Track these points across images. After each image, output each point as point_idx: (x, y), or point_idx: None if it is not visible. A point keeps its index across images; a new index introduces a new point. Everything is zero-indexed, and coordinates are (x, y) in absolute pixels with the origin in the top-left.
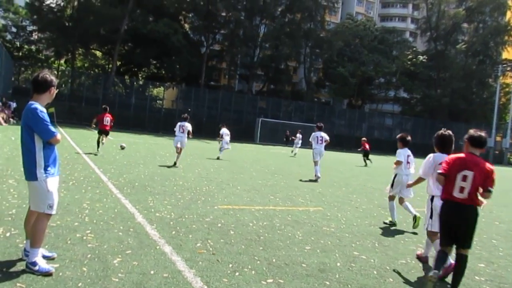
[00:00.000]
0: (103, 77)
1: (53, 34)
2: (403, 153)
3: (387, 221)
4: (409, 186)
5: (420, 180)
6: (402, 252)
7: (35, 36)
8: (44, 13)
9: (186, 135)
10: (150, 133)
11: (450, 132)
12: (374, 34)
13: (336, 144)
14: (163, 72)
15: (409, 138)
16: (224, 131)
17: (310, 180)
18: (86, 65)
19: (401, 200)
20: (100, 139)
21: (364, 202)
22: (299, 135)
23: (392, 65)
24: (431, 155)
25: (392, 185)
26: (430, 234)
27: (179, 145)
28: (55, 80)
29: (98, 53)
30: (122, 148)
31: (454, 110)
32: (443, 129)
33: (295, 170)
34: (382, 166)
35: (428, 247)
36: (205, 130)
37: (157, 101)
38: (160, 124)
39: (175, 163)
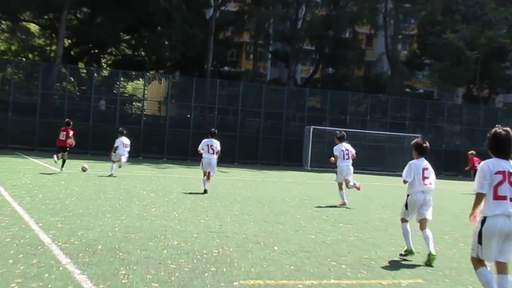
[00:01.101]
0: (43, 67)
1: None
2: (417, 166)
3: (402, 252)
4: (472, 217)
5: (480, 197)
6: None
7: None
8: None
9: (216, 156)
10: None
11: (509, 129)
12: None
13: (446, 164)
14: (143, 53)
15: (426, 144)
16: (123, 140)
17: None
18: (13, 47)
19: (423, 225)
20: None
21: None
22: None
23: None
24: (484, 163)
25: (406, 207)
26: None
27: (209, 170)
28: None
29: (34, 27)
30: (84, 170)
31: None
32: (497, 126)
33: (372, 213)
34: None
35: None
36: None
37: (134, 104)
38: (139, 142)
39: (205, 191)
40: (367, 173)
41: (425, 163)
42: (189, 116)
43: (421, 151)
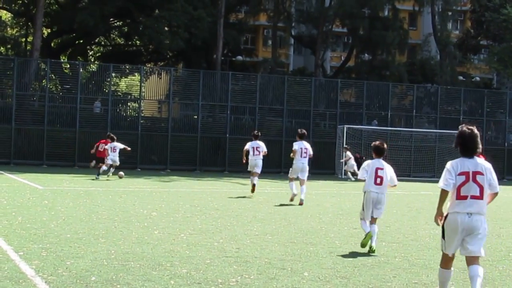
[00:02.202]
0: (18, 63)
1: None
2: (371, 165)
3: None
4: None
5: (444, 194)
6: None
7: None
8: None
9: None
10: (116, 171)
11: (474, 128)
12: None
13: (510, 166)
14: (138, 43)
15: (384, 146)
16: (117, 145)
17: None
18: None
19: (373, 220)
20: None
21: None
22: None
23: None
24: (449, 163)
25: (362, 205)
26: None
27: (256, 170)
28: None
29: (5, 15)
30: (120, 177)
31: None
32: (463, 124)
33: (422, 229)
34: None
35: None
36: (233, 154)
37: (129, 104)
38: (136, 150)
39: (253, 189)
40: (415, 180)
41: (381, 163)
42: (196, 117)
43: (378, 152)
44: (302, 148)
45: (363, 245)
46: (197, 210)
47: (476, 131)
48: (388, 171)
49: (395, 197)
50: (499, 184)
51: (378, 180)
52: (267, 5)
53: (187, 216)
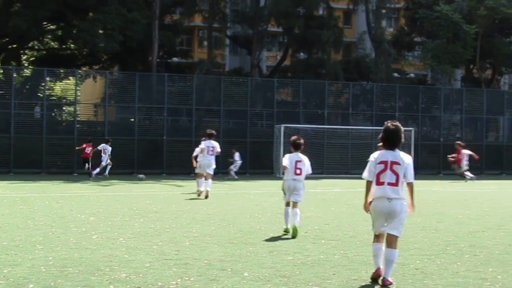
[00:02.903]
0: None
1: None
2: (291, 159)
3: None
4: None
5: (369, 184)
6: None
7: None
8: None
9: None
10: (54, 176)
11: (398, 123)
12: None
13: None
14: (72, 46)
15: (301, 141)
16: (105, 146)
17: None
18: None
19: (294, 205)
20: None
21: None
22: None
23: None
24: (372, 155)
25: (283, 191)
26: None
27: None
28: None
29: None
30: (141, 179)
31: None
32: (388, 121)
33: (360, 225)
34: None
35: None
36: (170, 156)
37: (64, 108)
38: (72, 155)
39: (200, 194)
40: (352, 177)
41: (299, 156)
42: (132, 120)
43: (296, 147)
44: (209, 147)
45: (286, 231)
46: (136, 213)
47: (399, 127)
48: (306, 163)
49: (333, 194)
50: (436, 179)
51: (298, 171)
52: (202, 6)
53: (126, 220)
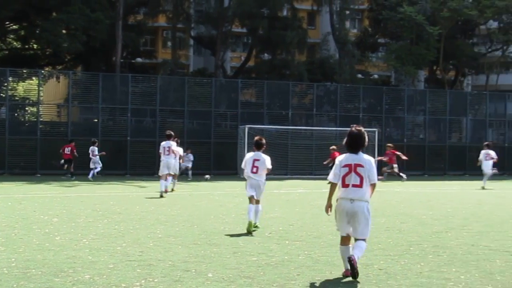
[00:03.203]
0: None
1: None
2: (250, 157)
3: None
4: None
5: (333, 187)
6: None
7: None
8: None
9: (178, 159)
10: (16, 177)
11: (362, 128)
12: None
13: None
14: (35, 46)
15: (263, 141)
16: (92, 149)
17: None
18: None
19: (256, 201)
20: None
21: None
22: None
23: None
24: (337, 158)
25: (246, 188)
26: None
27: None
28: None
29: None
30: (206, 179)
31: None
32: (353, 125)
33: (324, 226)
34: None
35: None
36: (134, 157)
37: (27, 109)
38: (36, 155)
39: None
40: (317, 178)
41: (258, 155)
42: (96, 120)
43: (257, 146)
44: (165, 147)
45: (247, 231)
46: (99, 214)
47: (363, 131)
48: (267, 162)
49: (297, 195)
50: (399, 180)
51: (254, 169)
52: (166, 6)
53: (89, 221)
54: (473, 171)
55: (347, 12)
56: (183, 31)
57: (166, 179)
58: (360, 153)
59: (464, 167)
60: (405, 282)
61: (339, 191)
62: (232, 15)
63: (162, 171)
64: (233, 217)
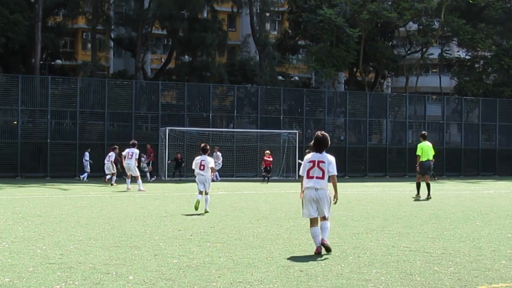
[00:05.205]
0: None
1: None
2: (198, 159)
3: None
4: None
5: (303, 179)
6: None
7: None
8: None
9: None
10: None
11: (325, 133)
12: None
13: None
14: None
15: (207, 147)
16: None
17: None
18: None
19: (206, 193)
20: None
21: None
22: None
23: None
24: (306, 156)
25: (196, 183)
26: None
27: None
28: None
29: None
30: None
31: None
32: (319, 131)
33: (245, 228)
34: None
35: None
36: (54, 159)
37: None
38: None
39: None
40: (238, 180)
41: (204, 157)
42: (15, 122)
43: (203, 151)
44: (129, 152)
45: (195, 207)
46: (19, 217)
47: (326, 135)
48: (211, 163)
49: (218, 197)
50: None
51: (202, 167)
52: (85, 8)
53: (9, 224)
54: (393, 173)
55: (267, 14)
56: (103, 33)
57: (129, 179)
58: (324, 152)
59: (384, 168)
60: (325, 283)
61: (305, 182)
62: (152, 17)
63: (126, 172)
64: (154, 219)
